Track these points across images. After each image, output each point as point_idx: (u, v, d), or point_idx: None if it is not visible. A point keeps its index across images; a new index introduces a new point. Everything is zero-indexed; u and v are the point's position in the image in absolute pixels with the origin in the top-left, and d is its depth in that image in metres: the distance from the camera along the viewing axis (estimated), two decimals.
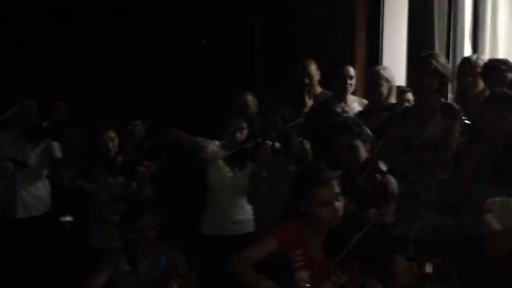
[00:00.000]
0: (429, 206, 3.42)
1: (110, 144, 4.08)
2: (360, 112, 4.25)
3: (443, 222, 3.38)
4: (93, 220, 4.09)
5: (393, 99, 4.15)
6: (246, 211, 3.82)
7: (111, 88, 6.10)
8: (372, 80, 4.20)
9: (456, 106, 3.56)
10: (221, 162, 3.79)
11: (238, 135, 3.75)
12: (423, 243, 3.14)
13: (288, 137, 3.70)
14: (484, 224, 2.83)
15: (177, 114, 4.97)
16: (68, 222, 4.59)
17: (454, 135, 3.44)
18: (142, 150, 4.45)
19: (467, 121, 3.47)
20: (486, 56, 4.18)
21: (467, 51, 4.60)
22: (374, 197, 3.04)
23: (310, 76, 4.78)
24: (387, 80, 4.13)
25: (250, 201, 3.78)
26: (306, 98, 4.76)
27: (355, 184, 3.06)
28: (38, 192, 4.68)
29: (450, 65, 3.95)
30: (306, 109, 4.64)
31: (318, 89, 4.85)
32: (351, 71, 4.59)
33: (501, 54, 4.36)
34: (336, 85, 4.59)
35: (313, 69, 4.81)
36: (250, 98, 4.49)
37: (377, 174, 3.13)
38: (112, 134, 4.10)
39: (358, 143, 3.24)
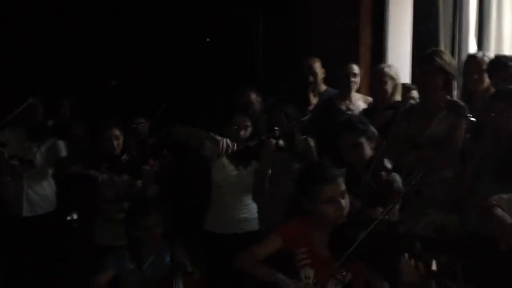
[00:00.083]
0: (433, 203, 3.41)
1: (115, 142, 4.08)
2: (364, 110, 4.24)
3: (448, 220, 3.37)
4: (97, 218, 4.10)
5: (398, 97, 4.13)
6: (251, 209, 3.81)
7: (114, 86, 6.11)
8: (377, 78, 4.18)
9: (462, 103, 3.54)
10: (225, 160, 3.78)
11: (242, 132, 3.74)
12: (427, 241, 3.13)
13: (293, 135, 3.69)
14: (494, 218, 2.81)
15: (179, 113, 4.97)
16: (75, 220, 4.60)
17: (459, 132, 3.42)
18: (146, 148, 4.45)
19: (472, 118, 3.46)
20: (491, 53, 4.15)
21: (472, 48, 4.58)
22: (379, 195, 3.04)
23: (314, 74, 4.78)
24: (392, 78, 4.12)
25: (254, 199, 3.78)
26: (311, 96, 4.75)
27: (360, 182, 3.06)
28: (44, 191, 4.70)
29: (455, 62, 3.93)
30: (311, 107, 4.64)
31: (323, 87, 4.85)
32: (355, 68, 4.58)
33: (506, 51, 4.34)
34: (340, 83, 4.58)
35: (318, 67, 4.81)
36: (253, 96, 4.49)
37: (382, 172, 3.12)
38: (116, 132, 4.10)
39: (363, 140, 3.23)
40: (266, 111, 4.10)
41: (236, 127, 3.74)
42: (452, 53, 4.57)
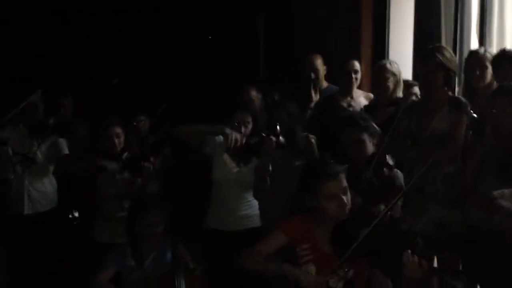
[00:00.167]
0: (434, 199, 3.40)
1: (116, 140, 4.08)
2: (366, 107, 4.23)
3: (449, 216, 3.36)
4: (98, 216, 4.09)
5: (399, 93, 4.13)
6: (252, 206, 3.81)
7: (115, 85, 6.11)
8: (379, 74, 4.18)
9: (463, 99, 3.54)
10: (226, 157, 3.78)
11: (243, 129, 3.74)
12: (429, 237, 3.13)
13: (294, 132, 3.69)
14: (500, 209, 2.80)
15: (180, 112, 4.96)
16: (75, 218, 4.60)
17: (461, 128, 3.42)
18: (147, 146, 4.45)
19: (474, 115, 3.45)
20: (493, 49, 4.14)
21: (474, 44, 4.57)
22: (381, 192, 3.03)
23: (316, 71, 4.77)
24: (394, 74, 4.11)
25: (255, 196, 3.77)
26: (312, 92, 4.74)
27: (362, 179, 3.05)
28: (45, 189, 4.70)
29: (457, 58, 3.92)
30: (312, 104, 4.63)
31: (324, 84, 4.84)
32: (356, 65, 4.57)
33: (508, 47, 4.32)
34: (341, 80, 4.57)
35: (319, 63, 4.80)
36: (254, 93, 4.49)
37: (384, 169, 3.11)
38: (118, 129, 4.10)
39: (365, 137, 3.23)
40: (267, 108, 4.09)
41: (237, 123, 3.74)
42: (454, 49, 4.56)
